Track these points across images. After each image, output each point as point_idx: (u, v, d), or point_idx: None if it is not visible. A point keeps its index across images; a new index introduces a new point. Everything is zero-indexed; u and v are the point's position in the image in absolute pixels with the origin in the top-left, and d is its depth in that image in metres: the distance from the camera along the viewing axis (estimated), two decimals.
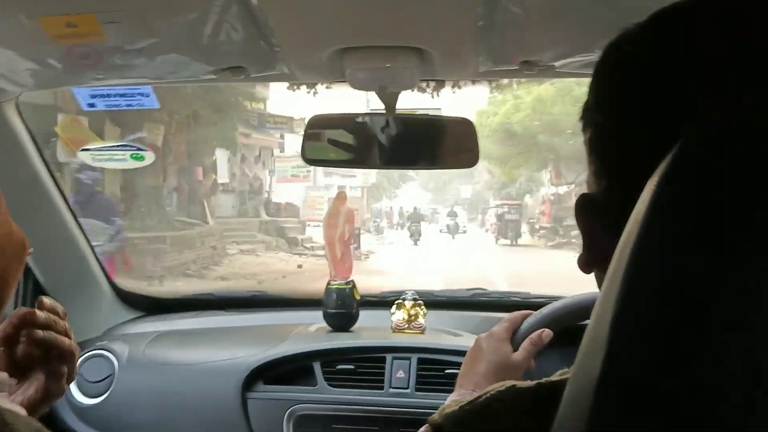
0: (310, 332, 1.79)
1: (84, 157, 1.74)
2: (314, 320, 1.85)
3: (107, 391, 1.67)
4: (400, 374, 1.60)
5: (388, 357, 1.63)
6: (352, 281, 1.82)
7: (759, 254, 0.30)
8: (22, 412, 0.79)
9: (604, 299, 0.36)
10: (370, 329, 1.81)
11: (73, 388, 1.67)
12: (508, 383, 0.60)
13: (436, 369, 1.60)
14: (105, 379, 1.68)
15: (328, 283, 1.81)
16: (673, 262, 0.31)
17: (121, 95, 1.32)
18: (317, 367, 1.63)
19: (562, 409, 0.39)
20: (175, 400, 1.64)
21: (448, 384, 1.57)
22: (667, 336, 0.30)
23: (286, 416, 1.58)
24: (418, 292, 1.84)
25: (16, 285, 0.80)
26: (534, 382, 0.58)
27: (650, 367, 0.31)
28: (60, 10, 0.97)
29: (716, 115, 0.34)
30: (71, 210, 1.69)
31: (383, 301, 1.92)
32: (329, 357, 1.64)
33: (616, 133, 0.49)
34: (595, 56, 1.01)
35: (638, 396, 0.31)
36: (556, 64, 1.06)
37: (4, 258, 0.76)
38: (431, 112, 1.46)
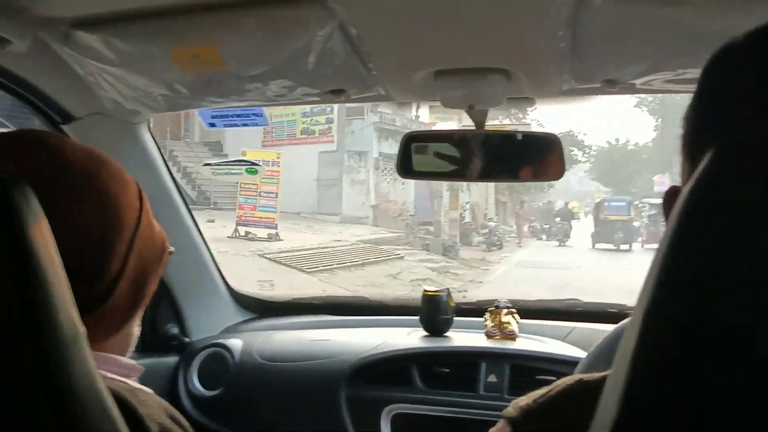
0: (407, 336, 1.88)
1: (204, 171, 1.92)
2: (411, 325, 1.94)
3: (223, 384, 1.83)
4: (493, 379, 1.66)
5: (481, 362, 1.69)
6: (447, 289, 1.90)
7: None
8: (151, 392, 0.90)
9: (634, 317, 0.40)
10: (464, 335, 1.87)
11: (194, 380, 1.85)
12: (577, 377, 0.66)
13: (527, 374, 1.65)
14: (222, 373, 1.84)
15: (425, 290, 1.90)
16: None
17: (238, 115, 1.47)
18: (414, 368, 1.72)
19: (603, 397, 0.43)
20: (282, 394, 1.78)
21: (538, 389, 1.61)
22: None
23: (383, 414, 1.68)
24: (511, 302, 1.89)
25: (157, 284, 0.89)
26: (600, 375, 0.62)
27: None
28: (187, 44, 1.11)
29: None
30: (193, 218, 1.87)
31: (477, 309, 1.99)
32: (426, 360, 1.73)
33: (701, 134, 0.52)
34: (674, 74, 1.05)
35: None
36: (637, 82, 1.10)
37: (145, 258, 0.85)
38: (519, 128, 1.52)
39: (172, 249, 0.93)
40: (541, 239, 23.27)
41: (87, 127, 1.42)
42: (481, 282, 12.73)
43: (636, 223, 21.51)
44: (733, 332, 0.34)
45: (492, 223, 19.91)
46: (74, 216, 0.77)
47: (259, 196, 13.70)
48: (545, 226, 23.77)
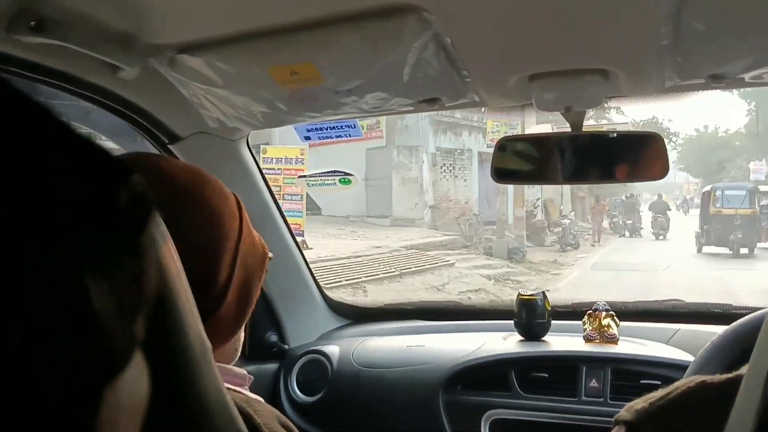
0: (503, 341, 1.86)
1: (300, 183, 1.97)
2: (506, 329, 1.93)
3: (322, 389, 1.87)
4: (594, 383, 1.63)
5: (582, 366, 1.66)
6: (543, 292, 1.88)
7: None
8: (262, 400, 0.93)
9: None
10: (562, 339, 1.84)
11: (294, 386, 1.90)
12: (698, 378, 0.62)
13: (630, 379, 1.61)
14: (321, 379, 1.88)
15: (520, 294, 1.88)
16: None
17: (332, 128, 1.50)
18: (512, 373, 1.70)
19: (735, 407, 0.42)
20: (380, 401, 1.80)
21: (643, 394, 1.57)
22: None
23: (483, 420, 1.67)
24: (610, 303, 1.85)
25: (259, 290, 0.93)
26: (724, 377, 0.60)
27: None
28: (285, 61, 1.15)
29: None
30: (289, 228, 1.92)
31: (575, 312, 1.95)
32: (523, 365, 1.71)
33: None
34: None
35: None
36: (746, 75, 1.06)
37: (249, 266, 0.89)
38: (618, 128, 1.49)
39: (271, 255, 0.96)
40: (623, 236, 21.23)
41: (191, 145, 1.49)
42: (548, 290, 11.24)
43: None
44: None
45: (567, 221, 17.88)
46: (183, 232, 0.81)
47: (282, 199, 11.02)
48: (628, 222, 21.45)
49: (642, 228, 20.74)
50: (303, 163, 11.37)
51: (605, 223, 22.06)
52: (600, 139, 1.35)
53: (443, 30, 1.02)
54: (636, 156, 1.29)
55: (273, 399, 1.91)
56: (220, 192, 0.87)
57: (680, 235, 18.73)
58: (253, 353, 1.91)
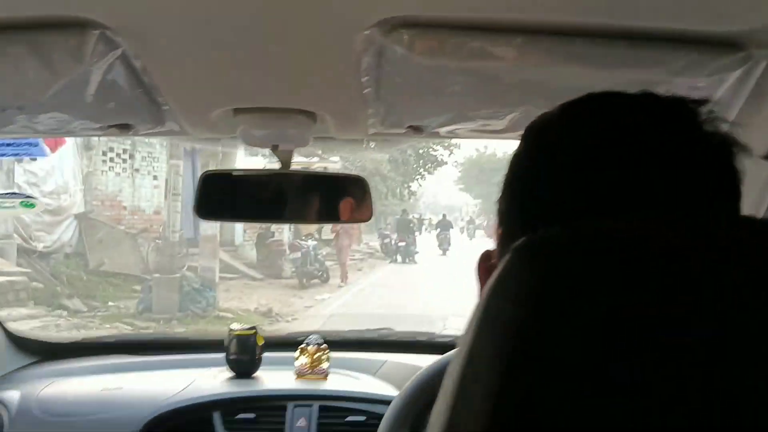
0: (211, 379, 1.75)
1: None
2: (218, 363, 1.82)
3: None
4: (302, 422, 1.60)
5: (290, 405, 1.62)
6: (255, 327, 1.81)
7: None
8: None
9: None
10: (274, 374, 1.79)
11: None
12: None
13: (337, 416, 1.61)
14: None
15: (230, 329, 1.79)
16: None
17: (8, 144, 1.28)
18: (217, 416, 1.60)
19: None
20: None
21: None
22: None
23: None
24: (324, 333, 1.85)
25: None
26: None
27: None
28: None
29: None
30: None
31: (288, 342, 1.91)
32: (229, 406, 1.62)
33: (512, 217, 0.56)
34: (478, 124, 1.05)
35: None
36: (441, 130, 1.09)
37: None
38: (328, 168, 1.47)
39: None
40: (395, 261, 17.29)
41: None
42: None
43: None
44: None
45: (310, 242, 12.65)
46: None
47: None
48: (400, 244, 17.36)
49: (417, 252, 17.65)
50: None
51: (376, 244, 19.04)
52: (308, 179, 1.31)
53: (132, 52, 0.89)
54: (343, 198, 1.27)
55: None
56: None
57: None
58: None
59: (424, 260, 17.40)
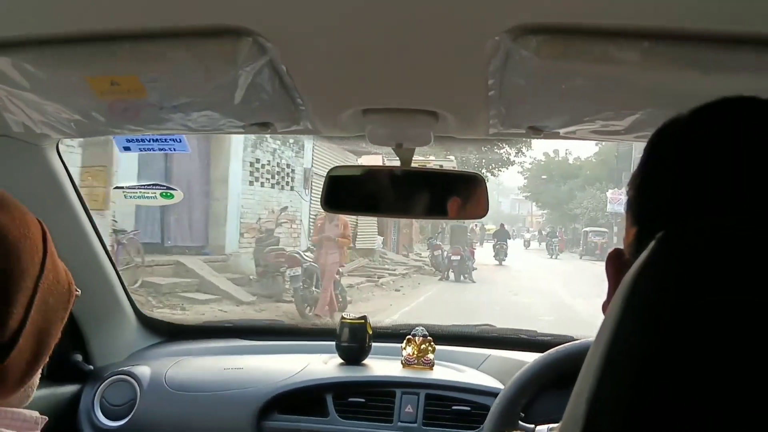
0: (323, 364, 1.85)
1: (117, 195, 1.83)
2: (328, 350, 1.92)
3: (129, 414, 1.74)
4: (409, 409, 1.67)
5: (398, 392, 1.70)
6: (365, 316, 1.90)
7: None
8: None
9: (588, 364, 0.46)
10: (382, 362, 1.87)
11: (97, 410, 1.76)
12: None
13: (443, 405, 1.67)
14: (127, 402, 1.76)
15: (342, 317, 1.89)
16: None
17: (155, 140, 1.41)
18: (329, 398, 1.70)
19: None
20: (191, 427, 1.71)
21: (454, 420, 1.63)
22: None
23: None
24: (427, 327, 1.91)
25: (61, 329, 0.83)
26: None
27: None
28: (105, 71, 1.06)
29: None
30: (101, 239, 1.78)
31: (396, 334, 1.99)
32: (341, 390, 1.71)
33: (647, 209, 0.58)
34: (598, 126, 1.09)
35: None
36: (561, 130, 1.14)
37: (50, 306, 0.79)
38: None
39: (78, 292, 0.87)
40: (446, 279, 14.33)
41: None
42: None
43: None
44: None
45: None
46: None
47: None
48: (453, 258, 14.22)
49: (475, 269, 14.65)
50: None
51: (426, 254, 16.00)
52: (426, 176, 1.38)
53: (278, 57, 0.99)
54: (459, 194, 1.34)
55: (72, 424, 1.75)
56: (21, 220, 0.77)
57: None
58: (50, 373, 1.74)
59: (484, 279, 14.44)
